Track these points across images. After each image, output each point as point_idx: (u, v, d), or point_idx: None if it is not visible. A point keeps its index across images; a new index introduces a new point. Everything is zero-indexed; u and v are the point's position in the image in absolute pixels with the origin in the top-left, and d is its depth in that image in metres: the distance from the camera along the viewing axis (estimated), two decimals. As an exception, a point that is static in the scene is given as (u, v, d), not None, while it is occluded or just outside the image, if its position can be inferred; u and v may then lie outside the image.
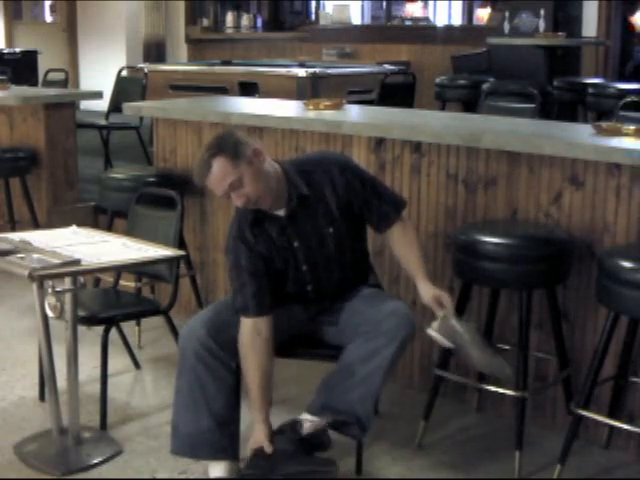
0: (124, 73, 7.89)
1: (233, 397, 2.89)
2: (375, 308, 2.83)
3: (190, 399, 2.86)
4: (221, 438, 2.87)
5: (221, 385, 2.85)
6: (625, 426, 3.01)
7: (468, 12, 10.75)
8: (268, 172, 2.80)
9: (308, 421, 2.82)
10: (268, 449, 2.78)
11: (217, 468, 2.93)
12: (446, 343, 2.80)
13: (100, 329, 3.40)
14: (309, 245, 2.92)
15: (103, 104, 7.03)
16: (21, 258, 3.00)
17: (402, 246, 3.01)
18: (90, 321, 3.41)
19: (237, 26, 11.67)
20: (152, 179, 4.35)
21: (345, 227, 2.94)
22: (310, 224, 2.90)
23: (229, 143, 2.76)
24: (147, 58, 11.14)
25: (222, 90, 6.78)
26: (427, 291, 2.88)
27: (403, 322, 2.77)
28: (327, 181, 2.89)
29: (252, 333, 2.85)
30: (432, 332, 2.79)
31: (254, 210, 2.86)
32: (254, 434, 2.85)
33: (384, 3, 11.72)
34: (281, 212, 2.88)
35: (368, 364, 2.74)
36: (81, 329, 3.23)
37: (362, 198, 2.93)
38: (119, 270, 3.70)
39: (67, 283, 3.04)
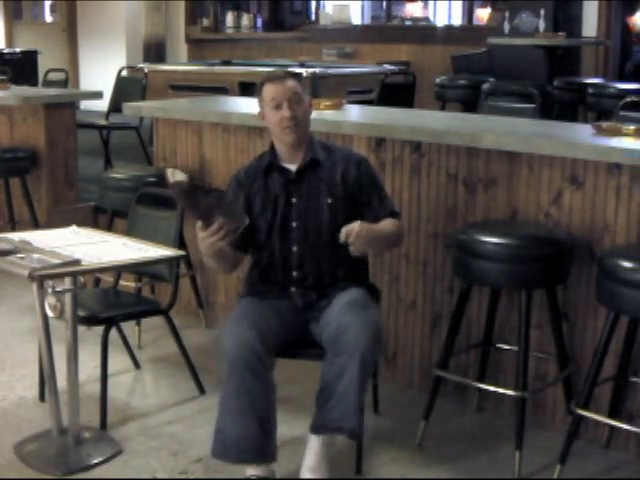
0: (124, 73, 7.89)
1: (273, 398, 2.88)
2: (340, 321, 2.84)
3: (237, 404, 2.80)
4: (266, 442, 2.83)
5: (264, 388, 2.83)
6: (625, 426, 3.01)
7: (468, 12, 10.75)
8: (309, 120, 3.12)
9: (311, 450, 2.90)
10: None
11: (256, 469, 2.89)
12: None
13: (100, 329, 3.40)
14: (305, 205, 3.03)
15: (103, 104, 7.03)
16: (21, 258, 3.00)
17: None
18: (90, 321, 3.41)
19: (237, 26, 11.68)
20: (152, 179, 4.35)
21: (343, 207, 3.04)
22: (313, 189, 3.06)
23: (303, 80, 3.20)
24: (147, 58, 11.14)
25: (222, 90, 6.78)
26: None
27: (361, 337, 2.77)
28: (342, 163, 3.08)
29: None
30: None
31: (270, 160, 3.09)
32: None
33: (384, 3, 11.73)
34: (293, 167, 3.08)
35: (341, 381, 2.78)
36: (81, 329, 3.23)
37: (366, 194, 3.08)
38: (119, 270, 3.70)
39: (67, 283, 3.04)
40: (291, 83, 3.04)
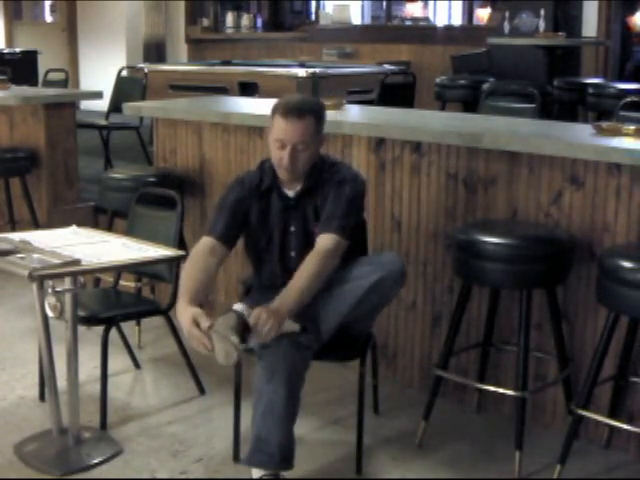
0: (124, 73, 7.89)
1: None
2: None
3: (286, 410, 2.72)
4: (294, 444, 2.79)
5: (302, 389, 2.79)
6: (625, 426, 3.01)
7: (468, 12, 10.74)
8: (316, 157, 2.96)
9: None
10: (205, 323, 2.65)
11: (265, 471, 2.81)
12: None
13: (100, 329, 3.40)
14: (302, 234, 2.97)
15: (103, 104, 7.04)
16: (21, 258, 3.00)
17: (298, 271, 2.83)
18: (90, 321, 3.41)
19: (237, 26, 11.67)
20: (152, 179, 4.35)
21: None
22: (307, 215, 2.97)
23: (324, 117, 2.96)
24: (147, 58, 11.14)
25: (222, 90, 6.78)
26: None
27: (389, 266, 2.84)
28: (331, 185, 2.94)
29: (207, 250, 2.93)
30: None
31: (272, 182, 2.99)
32: (184, 315, 2.71)
33: (384, 3, 11.72)
34: (291, 193, 2.99)
35: (345, 285, 2.79)
36: (81, 329, 3.23)
37: (329, 202, 2.92)
38: (119, 270, 3.70)
39: (67, 283, 3.04)
40: (304, 125, 2.82)
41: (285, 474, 2.79)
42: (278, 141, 2.86)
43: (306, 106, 2.89)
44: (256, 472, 2.79)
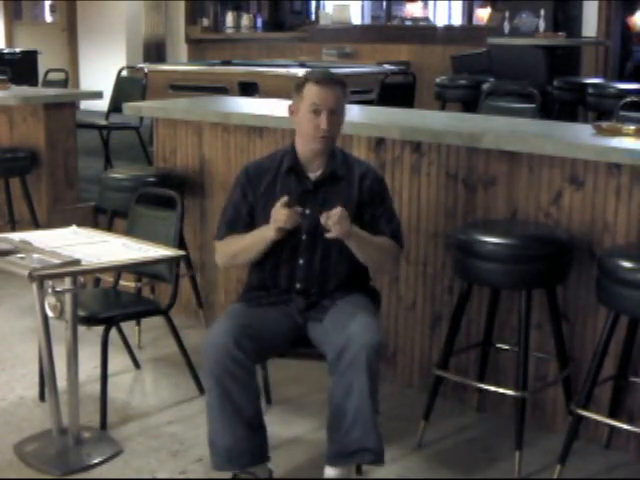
0: (124, 73, 7.89)
1: (258, 401, 2.86)
2: (343, 330, 2.78)
3: (222, 412, 2.79)
4: (257, 443, 2.83)
5: (247, 392, 2.80)
6: (625, 426, 3.01)
7: (468, 12, 10.75)
8: (340, 131, 3.07)
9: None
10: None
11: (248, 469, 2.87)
12: None
13: (100, 329, 3.40)
14: (317, 218, 2.94)
15: (103, 104, 7.04)
16: (21, 258, 3.00)
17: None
18: (90, 321, 3.41)
19: (237, 26, 11.68)
20: (152, 179, 4.35)
21: (353, 221, 2.96)
22: (328, 202, 2.96)
23: (348, 94, 3.05)
24: (147, 58, 11.14)
25: (222, 90, 6.79)
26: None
27: (364, 349, 2.71)
28: (359, 176, 3.02)
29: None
30: None
31: (294, 162, 3.01)
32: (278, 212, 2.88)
33: (384, 3, 11.72)
34: (313, 175, 3.02)
35: (351, 397, 2.73)
36: (81, 329, 3.23)
37: (376, 209, 3.02)
38: (119, 270, 3.70)
39: (67, 283, 3.04)
40: (337, 92, 2.92)
41: (275, 472, 2.83)
42: (313, 106, 2.89)
43: (335, 76, 3.00)
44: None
